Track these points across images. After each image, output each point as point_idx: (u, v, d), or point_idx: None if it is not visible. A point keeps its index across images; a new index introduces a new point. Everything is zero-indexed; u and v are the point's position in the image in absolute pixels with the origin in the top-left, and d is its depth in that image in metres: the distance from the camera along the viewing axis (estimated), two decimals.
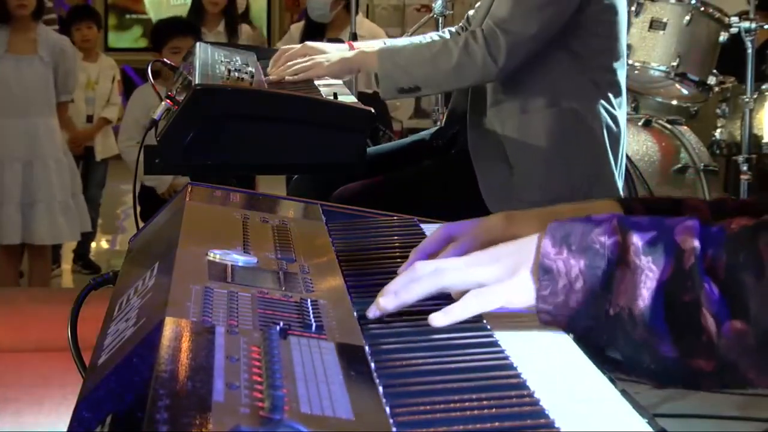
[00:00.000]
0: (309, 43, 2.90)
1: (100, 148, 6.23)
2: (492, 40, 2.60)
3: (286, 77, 2.74)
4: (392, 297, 1.15)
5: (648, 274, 1.11)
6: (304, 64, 2.75)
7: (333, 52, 2.86)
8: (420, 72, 2.66)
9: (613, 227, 1.15)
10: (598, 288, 1.13)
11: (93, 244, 6.65)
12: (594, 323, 1.14)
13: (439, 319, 1.14)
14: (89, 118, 6.26)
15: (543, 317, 1.16)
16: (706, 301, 1.09)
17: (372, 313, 1.15)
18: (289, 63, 2.76)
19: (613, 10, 2.71)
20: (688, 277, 1.10)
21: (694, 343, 1.10)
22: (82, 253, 6.33)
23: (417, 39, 2.97)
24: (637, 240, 1.13)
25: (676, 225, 1.14)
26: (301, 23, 5.90)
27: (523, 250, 1.18)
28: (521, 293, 1.16)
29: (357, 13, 5.08)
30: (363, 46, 2.92)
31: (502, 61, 2.60)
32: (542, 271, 1.15)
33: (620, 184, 2.78)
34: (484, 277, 1.17)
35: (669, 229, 1.14)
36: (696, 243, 1.11)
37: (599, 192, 2.71)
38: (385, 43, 2.94)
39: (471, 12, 3.01)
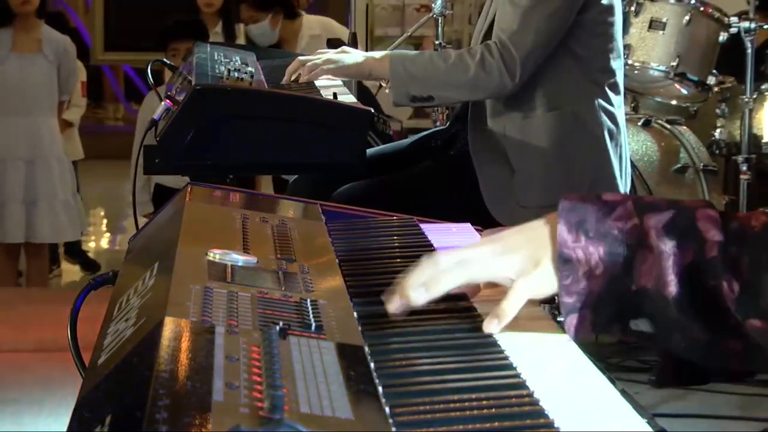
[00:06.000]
0: (328, 50, 2.91)
1: (64, 151, 6.08)
2: (507, 54, 2.62)
3: (302, 77, 2.75)
4: (422, 291, 1.15)
5: (674, 259, 1.12)
6: (316, 62, 2.76)
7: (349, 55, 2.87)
8: (434, 83, 2.67)
9: (628, 211, 1.15)
10: (619, 272, 1.14)
11: (92, 244, 6.65)
12: (618, 305, 1.14)
13: (493, 326, 1.15)
14: None
15: (567, 308, 1.15)
16: (727, 296, 1.10)
17: (395, 306, 1.15)
18: (308, 65, 2.77)
19: (611, 11, 2.72)
20: (709, 265, 1.11)
21: (723, 325, 1.11)
22: (76, 251, 6.31)
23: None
24: (656, 222, 1.13)
25: (697, 210, 1.14)
26: None
27: (539, 238, 1.18)
28: (545, 284, 1.17)
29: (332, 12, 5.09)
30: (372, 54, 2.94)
31: (518, 75, 2.62)
32: (562, 262, 1.15)
33: (624, 185, 2.77)
34: (508, 268, 1.17)
35: (689, 212, 1.14)
36: (719, 236, 1.12)
37: None
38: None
39: None
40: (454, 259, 1.18)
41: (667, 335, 1.14)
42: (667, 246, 1.12)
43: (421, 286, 1.15)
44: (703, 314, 1.11)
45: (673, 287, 1.11)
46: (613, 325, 1.16)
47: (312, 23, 5.72)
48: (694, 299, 1.11)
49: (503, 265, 1.17)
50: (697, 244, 1.12)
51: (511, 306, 1.15)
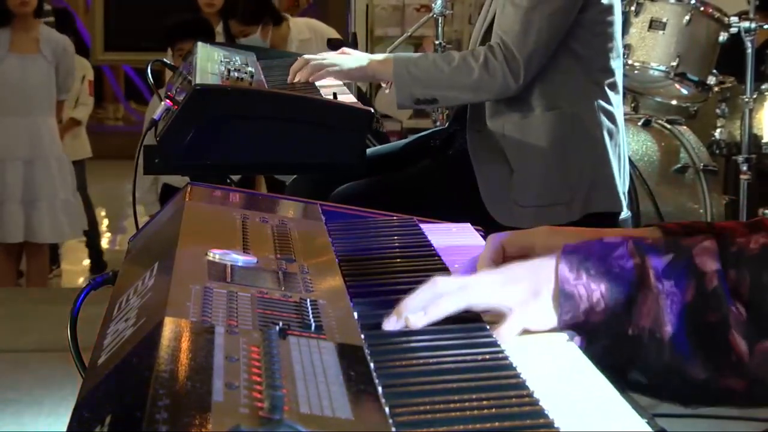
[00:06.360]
0: (332, 53, 2.91)
1: (70, 149, 6.03)
2: (510, 56, 2.62)
3: (304, 76, 2.75)
4: (421, 315, 1.14)
5: (673, 299, 1.12)
6: (321, 63, 2.76)
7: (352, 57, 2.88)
8: (438, 85, 2.67)
9: (630, 250, 1.16)
10: (620, 310, 1.14)
11: None
12: (612, 342, 1.15)
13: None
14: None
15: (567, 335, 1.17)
16: (735, 322, 1.10)
17: (392, 326, 1.15)
18: (311, 64, 2.77)
19: (611, 10, 2.72)
20: (711, 298, 1.11)
21: (723, 363, 1.11)
22: (95, 246, 6.33)
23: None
24: (656, 263, 1.13)
25: (694, 246, 1.14)
26: None
27: (541, 273, 1.18)
28: (543, 317, 1.17)
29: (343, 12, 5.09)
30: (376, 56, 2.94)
31: (521, 76, 2.63)
32: (563, 297, 1.16)
33: (622, 184, 2.77)
34: (509, 298, 1.17)
35: (686, 250, 1.14)
36: (716, 265, 1.12)
37: (599, 195, 2.71)
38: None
39: None
40: (456, 284, 1.18)
41: (664, 382, 1.14)
42: (665, 286, 1.13)
43: (421, 309, 1.15)
44: (703, 352, 1.11)
45: (669, 327, 1.12)
46: (606, 360, 1.15)
47: (300, 26, 5.72)
48: (694, 337, 1.11)
49: (504, 295, 1.17)
50: (696, 280, 1.12)
51: (506, 335, 1.15)
